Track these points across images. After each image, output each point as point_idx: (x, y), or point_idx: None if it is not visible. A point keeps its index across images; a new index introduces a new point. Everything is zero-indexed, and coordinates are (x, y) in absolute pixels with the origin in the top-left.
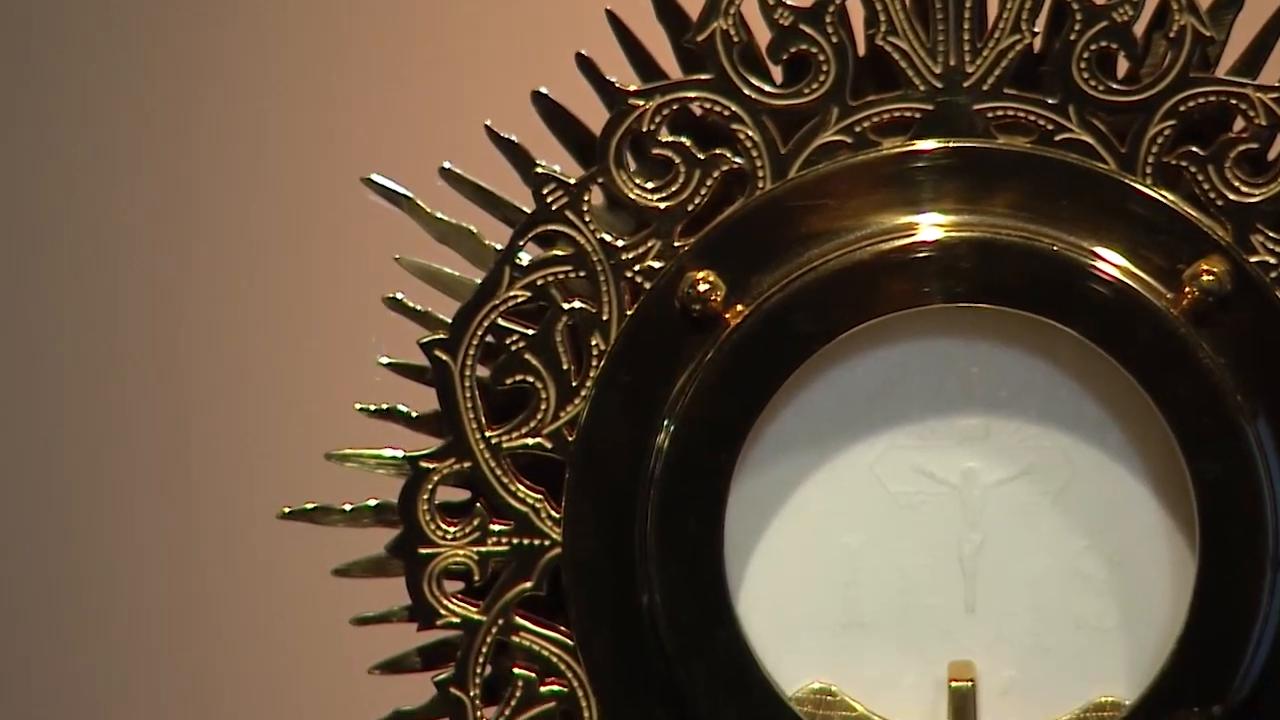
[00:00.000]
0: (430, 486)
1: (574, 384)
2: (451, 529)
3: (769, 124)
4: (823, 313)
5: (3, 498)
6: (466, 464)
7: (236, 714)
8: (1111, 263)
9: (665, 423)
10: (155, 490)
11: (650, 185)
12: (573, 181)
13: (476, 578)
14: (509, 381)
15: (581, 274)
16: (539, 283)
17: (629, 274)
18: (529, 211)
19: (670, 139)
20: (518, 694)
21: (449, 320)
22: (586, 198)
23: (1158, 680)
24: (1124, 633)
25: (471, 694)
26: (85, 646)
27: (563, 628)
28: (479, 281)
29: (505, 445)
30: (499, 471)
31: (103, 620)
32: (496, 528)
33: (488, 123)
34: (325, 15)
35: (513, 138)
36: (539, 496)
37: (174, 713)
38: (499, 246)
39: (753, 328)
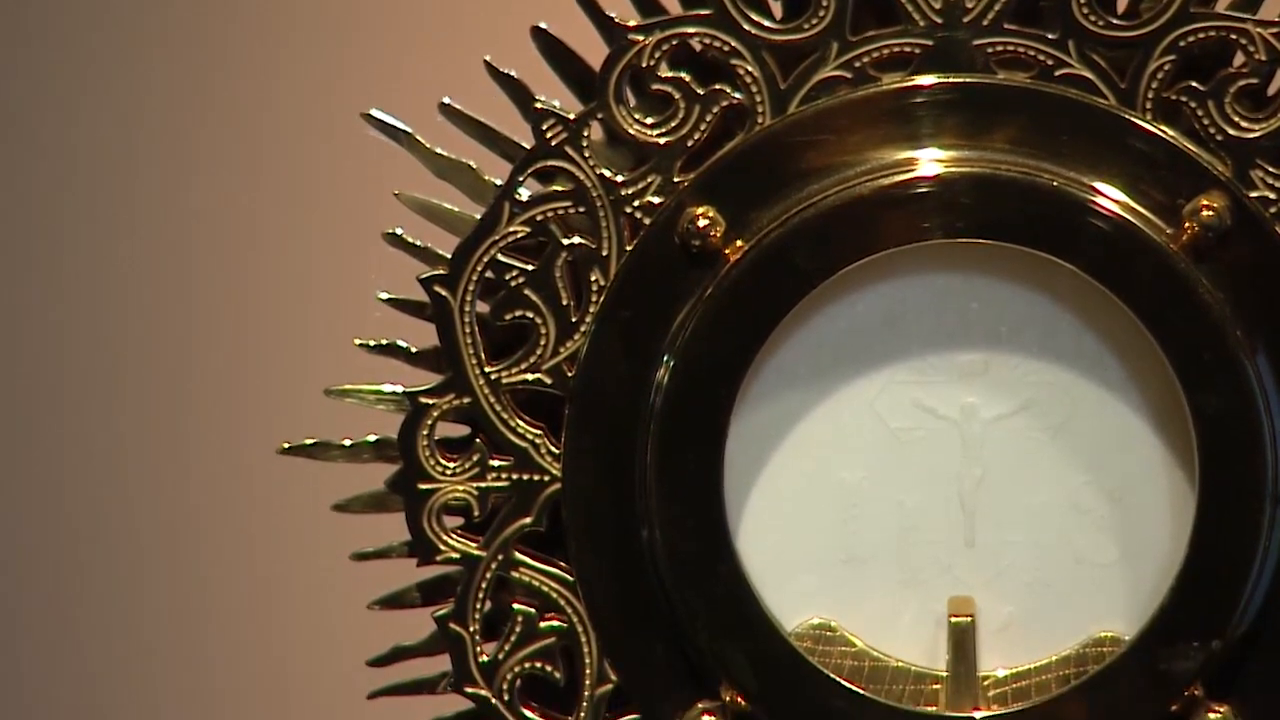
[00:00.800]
0: (430, 422)
1: (573, 320)
2: (451, 464)
3: (769, 59)
4: (822, 248)
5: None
6: (466, 399)
7: (234, 648)
8: (1111, 198)
9: (665, 358)
10: (156, 427)
11: (650, 121)
12: (572, 117)
13: (476, 513)
14: (508, 317)
15: (581, 210)
16: (538, 218)
17: (629, 210)
18: (528, 147)
19: (670, 74)
20: (517, 629)
21: (448, 256)
22: (586, 133)
23: (1157, 615)
24: (1123, 568)
25: (471, 629)
26: (84, 573)
27: (562, 563)
28: (478, 217)
29: (505, 381)
30: (498, 407)
31: (101, 553)
32: (496, 463)
33: (487, 58)
34: None
35: (512, 73)
36: (538, 432)
37: (166, 645)
38: (498, 182)
39: (752, 263)
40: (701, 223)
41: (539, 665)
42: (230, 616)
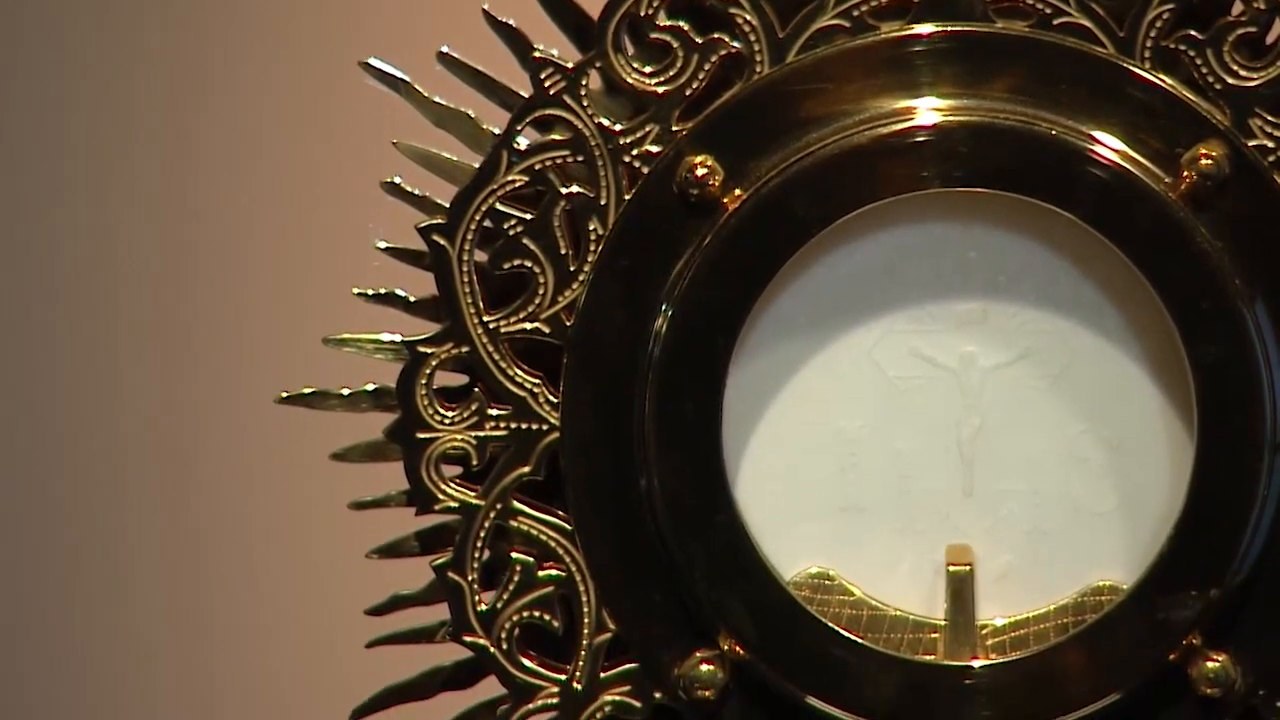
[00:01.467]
0: (428, 371)
1: (572, 269)
2: (449, 413)
3: (767, 8)
4: (820, 197)
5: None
6: (464, 349)
7: (230, 598)
8: (1110, 147)
9: (664, 307)
10: (152, 377)
11: (648, 70)
12: (571, 66)
13: (474, 462)
14: (507, 266)
15: (579, 159)
16: (537, 167)
17: (627, 159)
18: (527, 96)
19: (668, 23)
20: (516, 578)
21: (447, 205)
22: (584, 82)
23: (1155, 564)
24: (1122, 517)
25: (469, 578)
26: (77, 519)
27: (561, 512)
28: (477, 166)
29: (503, 330)
30: (497, 356)
31: (97, 504)
32: (494, 412)
33: (486, 7)
34: None
35: (510, 22)
36: (537, 381)
37: (162, 594)
38: (497, 131)
39: (751, 212)
40: (700, 172)
41: (537, 614)
42: (227, 566)
